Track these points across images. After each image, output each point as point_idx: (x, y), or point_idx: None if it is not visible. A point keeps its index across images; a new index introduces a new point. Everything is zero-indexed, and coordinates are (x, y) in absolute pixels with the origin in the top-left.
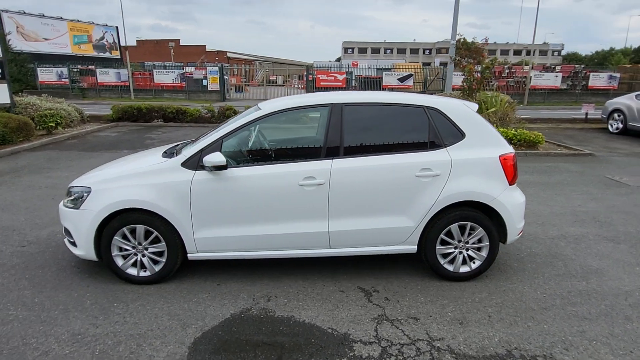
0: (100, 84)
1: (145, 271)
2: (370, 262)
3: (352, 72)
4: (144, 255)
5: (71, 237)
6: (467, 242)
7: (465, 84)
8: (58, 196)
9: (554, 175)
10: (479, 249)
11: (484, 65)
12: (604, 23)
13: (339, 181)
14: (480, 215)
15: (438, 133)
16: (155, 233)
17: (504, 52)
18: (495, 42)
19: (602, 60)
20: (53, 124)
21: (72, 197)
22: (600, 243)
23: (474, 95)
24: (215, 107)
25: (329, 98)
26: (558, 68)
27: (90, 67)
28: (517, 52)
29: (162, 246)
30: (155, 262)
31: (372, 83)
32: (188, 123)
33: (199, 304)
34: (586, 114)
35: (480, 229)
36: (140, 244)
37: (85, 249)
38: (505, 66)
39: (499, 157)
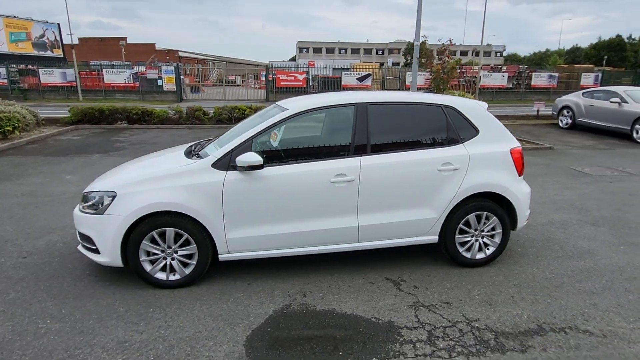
0: (43, 84)
1: (174, 275)
2: (391, 254)
3: (308, 72)
4: (173, 259)
5: (92, 244)
6: (482, 231)
7: (433, 84)
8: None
9: (524, 168)
10: (492, 236)
11: (450, 66)
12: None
13: (368, 177)
14: (494, 205)
15: (455, 130)
16: (186, 235)
17: (452, 53)
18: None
19: (539, 60)
20: (10, 128)
21: (91, 203)
22: (584, 227)
23: (442, 93)
24: (183, 108)
25: (353, 98)
26: (504, 68)
27: (30, 66)
28: (463, 53)
29: (192, 248)
30: (185, 265)
31: (332, 83)
32: (155, 125)
33: (237, 304)
34: (538, 110)
35: (494, 217)
36: (169, 247)
37: (110, 256)
38: (460, 66)
39: (510, 150)
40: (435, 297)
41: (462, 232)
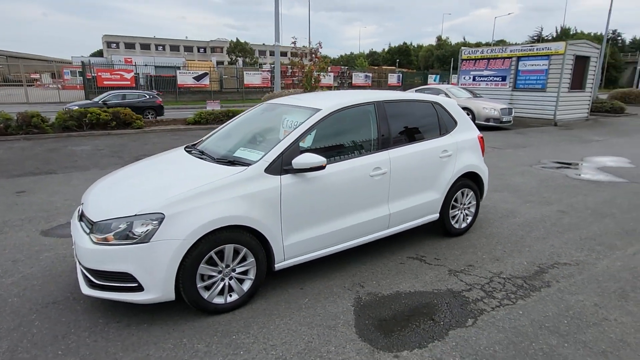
0: None
1: (231, 296)
2: (393, 238)
3: (137, 70)
4: (231, 278)
5: (129, 281)
6: (464, 204)
7: (305, 83)
8: None
9: None
10: (469, 208)
11: (319, 66)
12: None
13: (395, 168)
14: (471, 182)
15: (444, 122)
16: (244, 250)
17: (272, 54)
18: (264, 44)
19: (346, 62)
20: None
21: (120, 231)
22: (493, 194)
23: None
24: (12, 114)
25: (369, 97)
26: (329, 68)
27: None
28: (283, 54)
29: (249, 263)
30: (241, 282)
31: (165, 82)
32: None
33: (314, 308)
34: None
35: (472, 192)
36: (227, 265)
37: (161, 290)
38: (289, 66)
39: (477, 137)
40: (459, 263)
41: (452, 207)
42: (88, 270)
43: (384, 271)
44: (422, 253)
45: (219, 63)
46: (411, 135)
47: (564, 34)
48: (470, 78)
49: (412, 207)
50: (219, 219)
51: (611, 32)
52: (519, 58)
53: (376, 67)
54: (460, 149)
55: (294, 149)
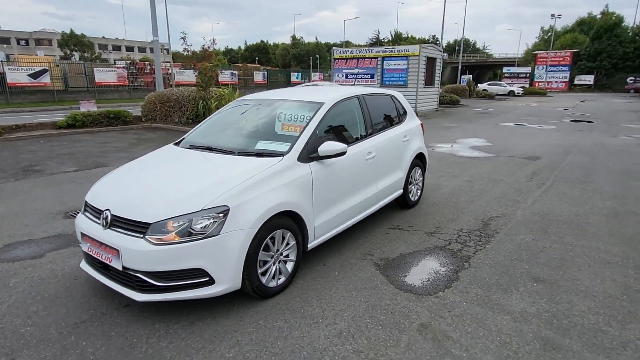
0: None
1: (279, 278)
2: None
3: None
4: (279, 262)
5: (203, 276)
6: (416, 180)
7: (201, 81)
8: None
9: None
10: (418, 183)
11: (214, 64)
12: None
13: (379, 153)
14: (420, 161)
15: (400, 112)
16: (289, 233)
17: (117, 48)
18: (104, 37)
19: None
20: None
21: (182, 228)
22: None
23: (209, 91)
24: None
25: (351, 91)
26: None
27: None
28: (129, 49)
29: (292, 245)
30: (285, 264)
31: None
32: None
33: (347, 277)
34: None
35: (420, 170)
36: (277, 250)
37: (231, 280)
38: (147, 62)
39: (420, 124)
40: (429, 227)
41: (410, 183)
42: (148, 273)
43: (378, 241)
44: (396, 223)
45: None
46: (383, 123)
47: (398, 38)
48: (343, 76)
49: (389, 185)
50: (273, 207)
51: (432, 37)
52: (383, 58)
53: (241, 65)
54: (412, 134)
55: (315, 139)
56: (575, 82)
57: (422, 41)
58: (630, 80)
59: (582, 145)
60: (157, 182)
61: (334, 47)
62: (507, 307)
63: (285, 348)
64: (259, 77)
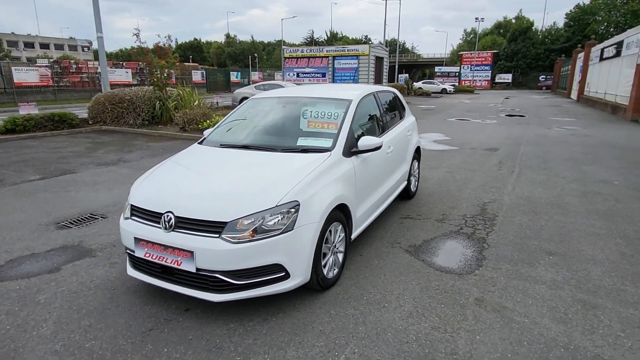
0: None
1: (334, 270)
2: None
3: None
4: (334, 253)
5: (280, 270)
6: (415, 172)
7: (157, 81)
8: None
9: None
10: (416, 175)
11: (171, 62)
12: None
13: (394, 146)
14: (417, 154)
15: (401, 108)
16: (340, 225)
17: (29, 45)
18: (13, 32)
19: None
20: None
21: (259, 224)
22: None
23: (165, 91)
24: None
25: (368, 88)
26: (124, 64)
27: None
28: (44, 46)
29: (342, 237)
30: (337, 255)
31: None
32: None
33: (388, 265)
34: (217, 102)
35: (417, 162)
36: (333, 241)
37: (303, 274)
38: (72, 61)
39: (415, 119)
40: (437, 215)
41: (411, 175)
42: (226, 273)
43: (397, 230)
44: (405, 213)
45: None
46: (393, 119)
47: (333, 37)
48: (294, 74)
49: (400, 177)
50: (333, 200)
51: (364, 37)
52: (334, 57)
53: (178, 63)
54: (411, 129)
55: (351, 135)
56: (496, 80)
57: (356, 41)
58: (542, 78)
59: (527, 137)
60: (213, 181)
61: (283, 47)
62: (539, 278)
63: (369, 332)
64: (197, 76)
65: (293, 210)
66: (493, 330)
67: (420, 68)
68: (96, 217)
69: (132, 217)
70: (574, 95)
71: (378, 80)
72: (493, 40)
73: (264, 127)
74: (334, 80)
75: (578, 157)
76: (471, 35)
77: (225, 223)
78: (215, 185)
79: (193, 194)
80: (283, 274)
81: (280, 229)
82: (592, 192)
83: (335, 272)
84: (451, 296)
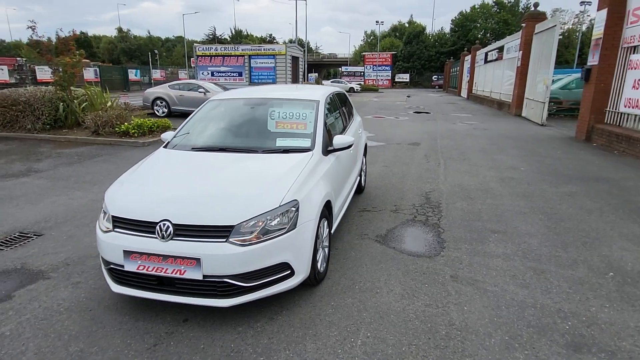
0: None
1: (323, 264)
2: None
3: None
4: (322, 248)
5: (287, 269)
6: (364, 166)
7: (61, 79)
8: None
9: None
10: (364, 169)
11: (76, 59)
12: None
13: (354, 144)
14: (365, 151)
15: (351, 108)
16: (325, 220)
17: None
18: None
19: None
20: None
21: (263, 225)
22: None
23: (70, 91)
24: None
25: (327, 89)
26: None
27: None
28: None
29: (327, 232)
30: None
31: None
32: None
33: (365, 255)
34: (125, 102)
35: (364, 159)
36: (321, 237)
37: (305, 270)
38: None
39: (361, 118)
40: (390, 206)
41: (362, 170)
42: (235, 277)
43: (360, 223)
44: (361, 207)
45: None
46: (348, 117)
47: (238, 35)
48: (208, 73)
49: (357, 173)
50: (323, 197)
51: (268, 35)
52: (250, 56)
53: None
54: (360, 127)
55: (326, 134)
56: (396, 79)
57: (261, 40)
58: (435, 78)
59: (439, 132)
60: (206, 185)
61: (195, 44)
62: (493, 253)
63: (373, 317)
64: (89, 74)
65: (294, 209)
66: (475, 301)
67: (326, 67)
68: (29, 235)
69: (116, 230)
70: (464, 93)
71: (295, 80)
72: (391, 43)
73: (234, 129)
74: (250, 80)
75: (486, 148)
76: (371, 37)
77: (232, 227)
78: (210, 189)
79: (188, 199)
80: (289, 272)
81: (285, 228)
82: (508, 177)
83: (324, 266)
84: (430, 276)
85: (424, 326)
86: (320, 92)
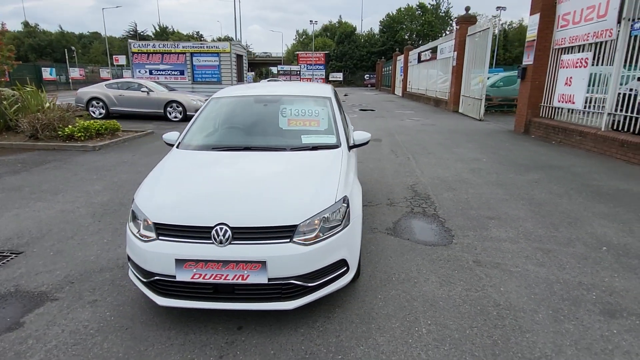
0: None
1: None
2: None
3: None
4: None
5: (343, 265)
6: None
7: None
8: None
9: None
10: None
11: (4, 54)
12: None
13: None
14: None
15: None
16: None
17: None
18: None
19: None
20: None
21: (321, 223)
22: None
23: None
24: None
25: (327, 85)
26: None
27: None
28: None
29: None
30: None
31: None
32: None
33: (383, 244)
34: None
35: None
36: None
37: (356, 266)
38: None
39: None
40: (383, 199)
41: None
42: (301, 277)
43: (365, 218)
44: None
45: None
46: (346, 114)
47: (163, 32)
48: (146, 72)
49: None
50: (360, 192)
51: (195, 33)
52: (192, 54)
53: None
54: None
55: (346, 130)
56: (330, 78)
57: (190, 37)
58: (367, 77)
59: (393, 128)
60: (249, 186)
61: (130, 40)
62: (499, 238)
63: (425, 305)
64: None
65: (345, 205)
66: (506, 282)
67: (258, 66)
68: (5, 254)
69: (161, 238)
70: (398, 91)
71: (240, 79)
72: (323, 42)
73: (251, 127)
74: (193, 79)
75: (443, 142)
76: (303, 36)
77: (295, 226)
78: (258, 190)
79: (239, 201)
80: (345, 268)
81: (340, 224)
82: (476, 168)
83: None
84: (455, 263)
85: (475, 309)
86: (325, 88)
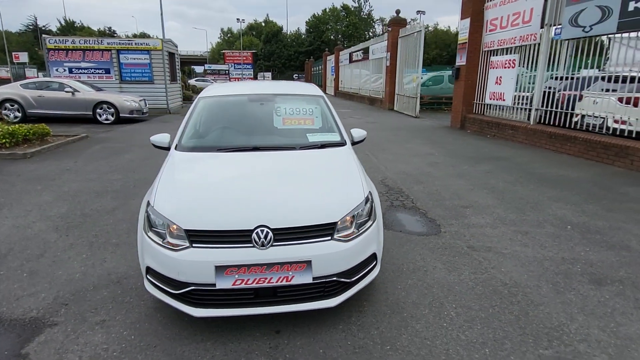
0: None
1: None
2: None
3: None
4: None
5: (374, 259)
6: None
7: None
8: None
9: (66, 158)
10: None
11: None
12: None
13: None
14: None
15: None
16: None
17: None
18: None
19: None
20: None
21: (353, 219)
22: None
23: None
24: None
25: (312, 84)
26: None
27: None
28: None
29: None
30: None
31: None
32: None
33: (402, 239)
34: None
35: None
36: None
37: (381, 258)
38: None
39: None
40: None
41: None
42: (342, 274)
43: None
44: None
45: None
46: None
47: (70, 27)
48: (65, 70)
49: None
50: (373, 187)
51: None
52: (119, 51)
53: None
54: None
55: (341, 129)
56: (259, 77)
57: (102, 33)
58: (295, 76)
59: (367, 125)
60: (280, 185)
61: (44, 35)
62: (480, 224)
63: (443, 290)
64: None
65: (370, 199)
66: (504, 263)
67: (182, 65)
68: None
69: (194, 245)
70: (330, 91)
71: (173, 78)
72: (250, 41)
73: (252, 126)
74: (121, 78)
75: (393, 138)
76: (228, 35)
77: (336, 223)
78: (288, 189)
79: (274, 202)
80: (375, 262)
81: (369, 219)
82: (433, 162)
83: None
84: (452, 250)
85: (487, 290)
86: (311, 87)
